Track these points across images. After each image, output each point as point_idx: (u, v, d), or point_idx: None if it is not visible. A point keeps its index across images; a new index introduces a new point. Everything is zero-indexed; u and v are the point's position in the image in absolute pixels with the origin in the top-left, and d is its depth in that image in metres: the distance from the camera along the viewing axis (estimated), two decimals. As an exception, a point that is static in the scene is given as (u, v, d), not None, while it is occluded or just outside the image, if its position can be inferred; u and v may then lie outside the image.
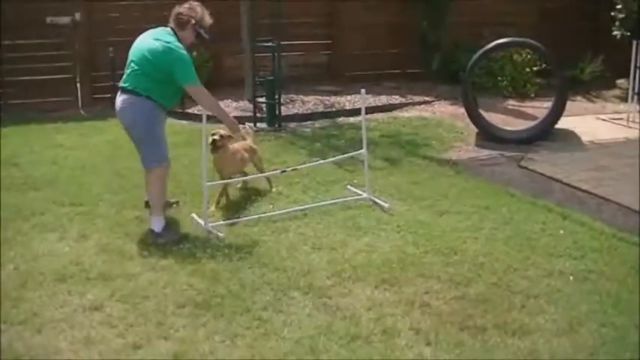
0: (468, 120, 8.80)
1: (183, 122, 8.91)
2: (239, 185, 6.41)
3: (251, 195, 6.27)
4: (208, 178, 5.58)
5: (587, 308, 4.25)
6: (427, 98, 10.80)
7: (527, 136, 8.35)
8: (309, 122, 9.54)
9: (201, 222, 5.48)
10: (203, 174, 5.54)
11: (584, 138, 8.54)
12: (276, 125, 9.15)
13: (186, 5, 5.44)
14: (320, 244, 5.19)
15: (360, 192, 6.24)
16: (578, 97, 10.93)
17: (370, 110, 9.61)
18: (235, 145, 6.02)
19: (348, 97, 10.59)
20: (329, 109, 10.08)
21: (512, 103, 10.63)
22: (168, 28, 5.38)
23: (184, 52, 5.26)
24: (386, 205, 5.95)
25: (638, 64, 9.09)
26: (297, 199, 6.22)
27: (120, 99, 5.32)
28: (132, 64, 5.29)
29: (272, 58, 9.17)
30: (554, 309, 4.24)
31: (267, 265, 4.80)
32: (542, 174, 7.11)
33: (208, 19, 5.49)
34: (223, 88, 9.88)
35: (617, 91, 11.27)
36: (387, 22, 12.03)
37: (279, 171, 6.41)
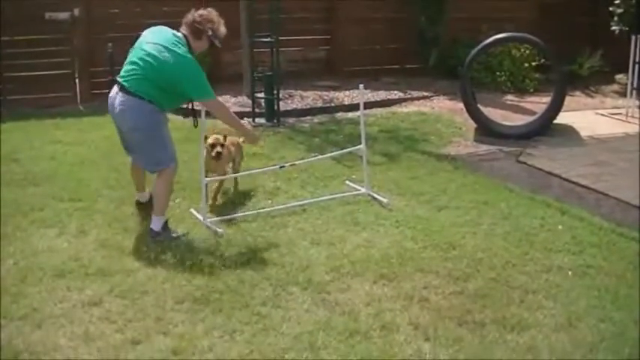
0: (466, 115, 8.81)
1: (182, 118, 8.87)
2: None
3: (250, 191, 6.27)
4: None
5: (585, 303, 4.25)
6: (426, 93, 10.82)
7: (526, 131, 8.36)
8: (307, 117, 9.54)
9: (200, 217, 5.49)
10: (201, 170, 5.55)
11: (583, 133, 8.55)
12: (275, 120, 9.15)
13: (203, 13, 5.14)
14: (319, 240, 5.19)
15: (359, 187, 6.24)
16: (577, 92, 10.95)
17: (369, 105, 9.63)
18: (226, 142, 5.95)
19: (347, 93, 10.60)
20: (327, 105, 10.08)
21: (510, 99, 10.64)
22: (180, 35, 5.08)
23: (196, 65, 5.00)
24: (384, 200, 5.95)
25: (636, 59, 9.09)
26: (295, 194, 6.22)
27: (119, 99, 5.02)
28: (134, 66, 5.01)
29: (270, 53, 9.17)
30: (552, 304, 4.25)
31: (265, 261, 4.81)
32: (540, 169, 7.11)
33: (223, 30, 5.22)
34: (222, 83, 9.86)
35: (615, 86, 11.28)
36: (386, 17, 12.05)
37: (277, 166, 6.41)
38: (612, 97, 10.88)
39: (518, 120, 9.04)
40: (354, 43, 11.92)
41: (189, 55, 5.00)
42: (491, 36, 8.92)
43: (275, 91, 9.21)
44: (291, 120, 9.32)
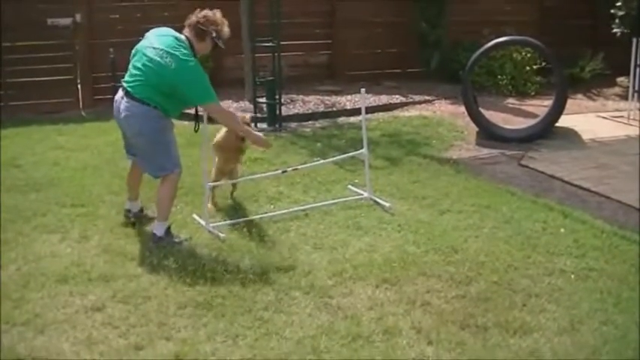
0: (468, 119, 8.81)
1: (185, 123, 8.89)
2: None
3: (252, 196, 6.28)
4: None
5: (588, 307, 4.25)
6: (427, 97, 10.81)
7: (528, 135, 8.36)
8: (309, 122, 9.55)
9: (203, 222, 5.49)
10: (204, 174, 5.56)
11: (585, 136, 8.54)
12: (277, 125, 9.15)
13: (207, 14, 5.11)
14: (321, 244, 5.19)
15: (361, 192, 6.24)
16: (579, 95, 10.94)
17: (371, 110, 9.63)
18: None
19: (349, 97, 10.60)
20: (329, 109, 10.08)
21: (512, 102, 10.64)
22: (183, 38, 5.03)
23: (199, 68, 4.96)
24: (387, 204, 5.96)
25: (638, 62, 9.09)
26: (298, 199, 6.23)
27: (124, 104, 5.01)
28: (137, 72, 4.99)
29: (272, 58, 9.18)
30: (555, 307, 4.25)
31: (268, 266, 4.81)
32: (542, 172, 7.11)
33: (227, 31, 5.19)
34: (224, 88, 9.87)
35: (617, 89, 11.27)
36: (387, 21, 12.07)
37: (280, 171, 6.42)
38: (614, 99, 10.87)
39: (519, 123, 9.03)
40: (356, 48, 11.94)
41: (191, 59, 4.96)
42: (492, 39, 8.93)
43: (277, 96, 9.22)
44: (293, 125, 9.33)
